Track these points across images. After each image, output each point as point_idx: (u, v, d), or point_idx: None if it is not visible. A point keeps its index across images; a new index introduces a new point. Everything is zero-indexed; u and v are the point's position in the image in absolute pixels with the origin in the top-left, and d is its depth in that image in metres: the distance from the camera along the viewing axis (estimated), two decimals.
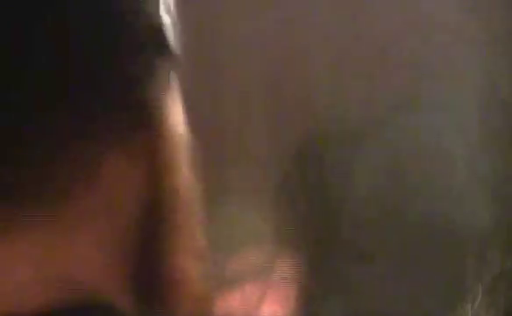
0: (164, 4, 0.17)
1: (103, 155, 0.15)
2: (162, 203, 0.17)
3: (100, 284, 0.16)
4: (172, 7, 0.18)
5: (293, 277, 0.67)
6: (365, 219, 0.88)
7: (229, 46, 0.75)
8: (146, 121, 0.16)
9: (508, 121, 0.82)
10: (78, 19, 0.15)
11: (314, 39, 0.80)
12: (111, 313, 0.16)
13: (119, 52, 0.16)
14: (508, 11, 0.77)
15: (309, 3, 0.75)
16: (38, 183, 0.15)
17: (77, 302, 0.15)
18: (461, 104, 0.80)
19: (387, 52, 0.77)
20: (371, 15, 0.84)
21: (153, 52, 0.17)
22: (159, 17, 0.17)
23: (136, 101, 0.16)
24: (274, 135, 0.92)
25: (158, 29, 0.17)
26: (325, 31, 0.81)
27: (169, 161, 0.17)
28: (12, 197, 0.15)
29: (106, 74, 0.16)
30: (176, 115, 0.18)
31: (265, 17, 0.77)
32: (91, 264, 0.16)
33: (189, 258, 0.18)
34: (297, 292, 0.67)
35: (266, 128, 0.93)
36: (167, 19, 0.17)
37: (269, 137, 0.92)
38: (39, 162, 0.15)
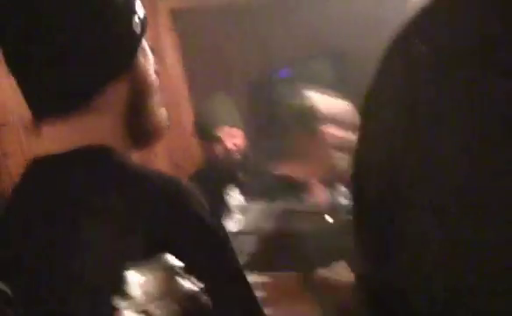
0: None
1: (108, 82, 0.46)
2: (141, 91, 0.48)
3: (110, 141, 0.45)
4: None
5: None
6: None
7: None
8: (130, 68, 0.48)
9: None
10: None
11: None
12: (113, 154, 0.45)
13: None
14: None
15: None
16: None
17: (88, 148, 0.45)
18: None
19: None
20: None
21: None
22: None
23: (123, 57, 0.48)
24: None
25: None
26: None
27: (143, 82, 0.49)
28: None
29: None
30: (148, 65, 0.50)
31: None
32: (105, 129, 0.45)
33: (158, 107, 0.49)
34: None
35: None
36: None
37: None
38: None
